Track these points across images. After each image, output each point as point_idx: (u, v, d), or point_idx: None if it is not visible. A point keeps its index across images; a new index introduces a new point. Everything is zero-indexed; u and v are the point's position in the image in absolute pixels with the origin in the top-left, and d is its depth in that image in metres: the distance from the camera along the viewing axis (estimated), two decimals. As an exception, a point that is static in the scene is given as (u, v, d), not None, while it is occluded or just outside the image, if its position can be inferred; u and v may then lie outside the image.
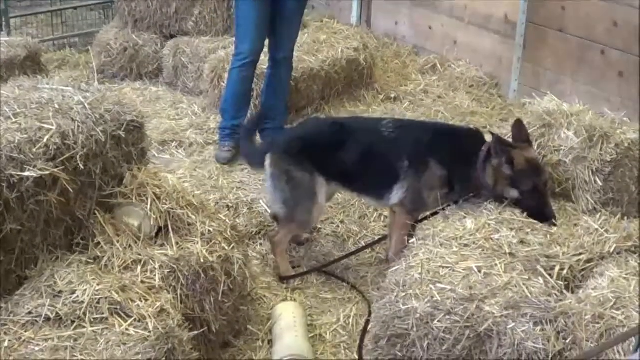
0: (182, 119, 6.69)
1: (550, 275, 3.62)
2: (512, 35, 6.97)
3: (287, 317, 4.06)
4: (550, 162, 4.41)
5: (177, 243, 3.65)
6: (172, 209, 3.75)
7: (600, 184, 4.25)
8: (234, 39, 6.12)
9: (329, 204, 5.28)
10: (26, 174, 3.16)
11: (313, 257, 4.90)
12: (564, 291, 3.57)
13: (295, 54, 6.18)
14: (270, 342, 4.05)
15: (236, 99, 6.02)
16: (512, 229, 3.91)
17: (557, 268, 3.66)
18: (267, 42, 5.99)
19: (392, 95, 7.16)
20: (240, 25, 5.91)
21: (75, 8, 9.35)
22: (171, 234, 3.68)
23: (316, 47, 6.92)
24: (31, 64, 6.41)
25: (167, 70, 7.40)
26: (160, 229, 3.70)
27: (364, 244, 4.92)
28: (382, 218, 5.22)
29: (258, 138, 5.50)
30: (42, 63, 6.80)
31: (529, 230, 3.94)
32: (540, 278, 3.60)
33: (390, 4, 8.29)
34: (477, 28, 7.42)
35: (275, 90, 6.14)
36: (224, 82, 6.42)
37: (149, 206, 3.67)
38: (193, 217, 3.83)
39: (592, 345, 3.20)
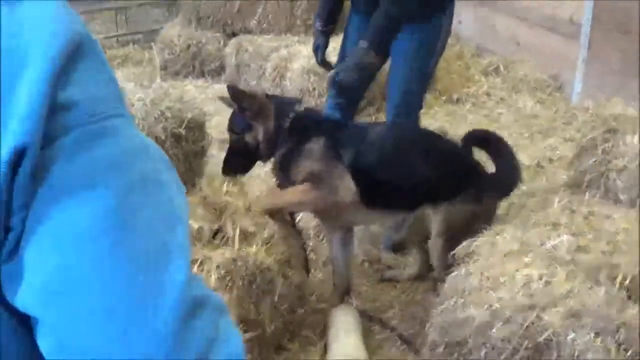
0: (243, 117, 6.69)
1: (612, 284, 3.55)
2: (577, 36, 6.84)
3: (343, 321, 4.03)
4: (614, 168, 4.32)
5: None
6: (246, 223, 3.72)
7: (666, 191, 4.16)
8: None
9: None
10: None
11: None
12: (626, 301, 3.49)
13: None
14: (325, 346, 4.01)
15: None
16: (573, 235, 3.83)
17: (620, 277, 3.57)
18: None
19: (455, 97, 7.10)
20: None
21: (139, 5, 9.47)
22: (236, 239, 3.65)
23: (378, 46, 6.86)
24: (95, 60, 6.47)
25: (230, 68, 7.45)
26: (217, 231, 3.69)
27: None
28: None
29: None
30: (106, 59, 6.86)
31: (590, 236, 3.85)
32: (602, 287, 3.52)
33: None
34: (541, 28, 7.32)
35: None
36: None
37: (223, 219, 3.66)
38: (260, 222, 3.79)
39: (654, 358, 3.13)
